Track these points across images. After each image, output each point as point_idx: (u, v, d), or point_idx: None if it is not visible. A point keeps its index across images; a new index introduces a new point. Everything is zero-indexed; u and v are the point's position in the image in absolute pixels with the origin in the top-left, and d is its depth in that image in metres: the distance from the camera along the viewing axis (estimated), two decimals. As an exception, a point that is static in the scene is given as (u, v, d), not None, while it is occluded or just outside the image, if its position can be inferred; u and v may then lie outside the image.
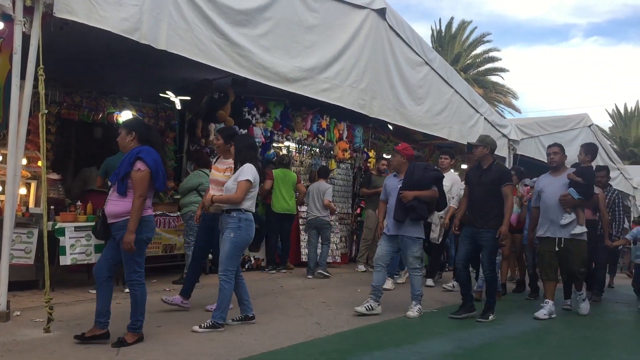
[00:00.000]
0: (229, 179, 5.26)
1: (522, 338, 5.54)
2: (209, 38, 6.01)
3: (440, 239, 8.31)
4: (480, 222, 6.06)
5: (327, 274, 8.79)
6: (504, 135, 11.89)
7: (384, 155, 11.05)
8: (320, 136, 10.69)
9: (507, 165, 10.68)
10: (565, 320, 6.18)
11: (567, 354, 5.04)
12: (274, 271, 8.96)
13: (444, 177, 6.58)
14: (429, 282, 8.50)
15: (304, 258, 9.79)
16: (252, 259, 9.10)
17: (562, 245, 6.28)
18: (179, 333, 4.83)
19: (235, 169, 5.24)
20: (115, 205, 4.36)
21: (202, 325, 4.94)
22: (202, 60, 6.05)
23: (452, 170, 8.59)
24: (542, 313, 6.30)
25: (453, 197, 7.88)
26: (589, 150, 6.91)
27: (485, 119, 11.21)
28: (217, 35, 6.07)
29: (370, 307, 6.00)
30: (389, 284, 7.77)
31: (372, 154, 11.77)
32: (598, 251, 7.59)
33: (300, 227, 10.02)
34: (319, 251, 9.06)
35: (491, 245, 6.06)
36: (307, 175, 10.82)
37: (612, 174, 16.34)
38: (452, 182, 8.13)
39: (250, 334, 4.94)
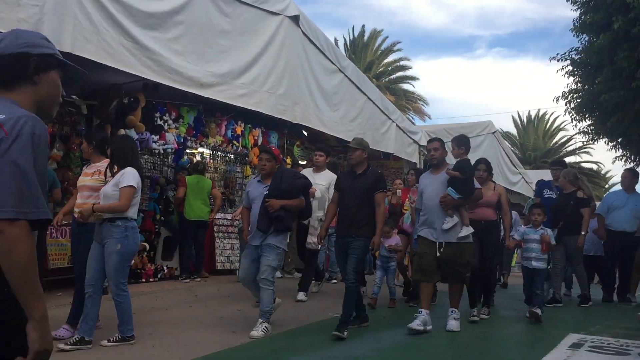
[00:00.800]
0: (98, 182, 4.94)
1: (432, 339, 5.72)
2: (118, 41, 5.82)
3: (320, 246, 7.32)
4: (350, 231, 5.60)
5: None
6: (415, 142, 12.28)
7: (300, 162, 11.12)
8: (235, 142, 10.58)
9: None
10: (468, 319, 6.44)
11: (476, 351, 5.28)
12: (188, 280, 8.76)
13: (311, 185, 6.17)
14: (301, 296, 7.41)
15: (218, 266, 9.66)
16: (165, 268, 8.86)
17: (442, 250, 5.69)
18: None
19: (112, 172, 4.88)
20: None
21: (111, 339, 4.74)
22: (111, 64, 5.85)
23: (327, 170, 7.86)
24: (415, 324, 5.56)
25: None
26: (461, 142, 6.25)
27: (397, 125, 11.54)
28: (126, 38, 5.89)
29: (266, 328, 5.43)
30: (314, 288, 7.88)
31: (288, 160, 11.80)
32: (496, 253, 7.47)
33: (215, 234, 9.87)
34: None
35: (358, 253, 5.57)
36: (222, 181, 10.69)
37: (514, 178, 17.39)
38: (330, 182, 7.28)
39: (162, 346, 4.80)
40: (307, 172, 7.42)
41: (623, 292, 8.70)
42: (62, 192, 7.84)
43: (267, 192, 5.55)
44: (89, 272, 4.76)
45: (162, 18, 6.30)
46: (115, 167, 4.87)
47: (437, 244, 5.72)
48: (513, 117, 43.75)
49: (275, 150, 5.99)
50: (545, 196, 8.46)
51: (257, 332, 5.27)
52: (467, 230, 5.72)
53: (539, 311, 6.46)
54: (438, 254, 5.71)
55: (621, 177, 9.18)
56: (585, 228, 7.89)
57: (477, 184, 5.99)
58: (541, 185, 9.02)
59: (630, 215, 8.43)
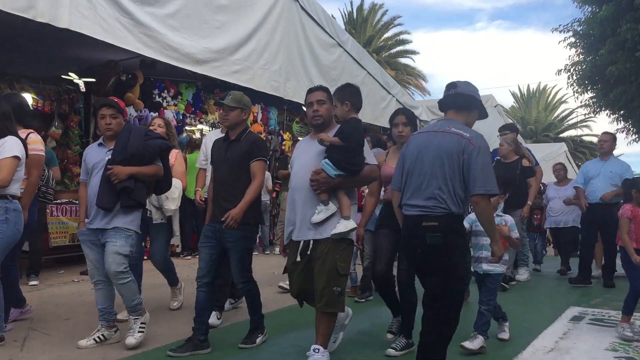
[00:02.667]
0: None
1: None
2: (114, 17, 5.74)
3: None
4: (223, 214, 4.11)
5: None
6: (415, 117, 12.21)
7: (299, 139, 11.06)
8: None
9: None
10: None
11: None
12: (189, 257, 8.81)
13: (171, 147, 4.74)
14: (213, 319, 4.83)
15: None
16: (166, 245, 8.89)
17: (308, 252, 3.73)
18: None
19: None
20: None
21: None
22: (108, 40, 5.79)
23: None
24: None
25: None
26: (345, 94, 4.27)
27: (397, 100, 11.47)
28: (122, 14, 5.81)
29: (101, 337, 4.18)
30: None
31: (287, 136, 11.75)
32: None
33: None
34: None
35: (240, 247, 4.16)
36: (222, 158, 10.70)
37: (515, 153, 17.29)
38: None
39: (167, 322, 4.81)
40: (215, 134, 5.53)
41: (609, 272, 7.65)
42: (62, 171, 7.84)
43: (110, 157, 4.17)
44: None
45: (158, -7, 6.21)
46: None
47: (301, 244, 3.76)
48: (511, 92, 43.48)
49: (120, 102, 4.44)
50: None
51: (134, 337, 4.13)
52: (347, 225, 3.64)
53: (475, 345, 4.23)
54: (298, 258, 3.76)
55: (599, 141, 8.05)
56: (532, 198, 7.17)
57: (370, 158, 3.88)
58: (493, 154, 7.71)
59: (606, 184, 7.44)
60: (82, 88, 8.97)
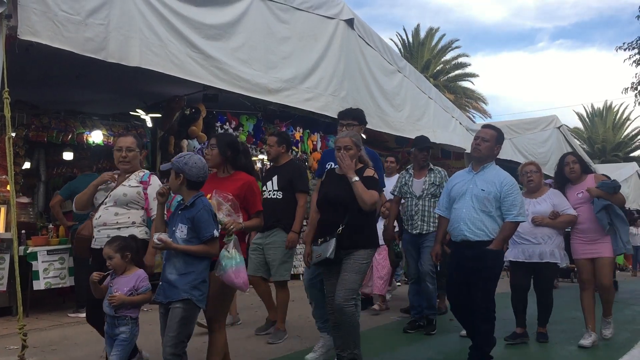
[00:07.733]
0: None
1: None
2: (184, 53, 5.91)
3: None
4: None
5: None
6: (477, 140, 12.00)
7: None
8: (294, 148, 10.65)
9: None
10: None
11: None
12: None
13: None
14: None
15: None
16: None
17: None
18: None
19: None
20: None
21: None
22: (180, 75, 5.92)
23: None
24: None
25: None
26: None
27: (460, 123, 11.33)
28: (192, 49, 5.97)
29: None
30: None
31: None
32: None
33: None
34: None
35: None
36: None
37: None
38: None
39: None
40: None
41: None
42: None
43: None
44: None
45: (223, 29, 6.35)
46: None
47: None
48: (576, 112, 42.14)
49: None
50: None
51: None
52: None
53: None
54: None
55: (475, 138, 4.94)
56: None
57: None
58: (325, 155, 5.46)
59: (472, 208, 4.46)
60: (149, 123, 9.30)
